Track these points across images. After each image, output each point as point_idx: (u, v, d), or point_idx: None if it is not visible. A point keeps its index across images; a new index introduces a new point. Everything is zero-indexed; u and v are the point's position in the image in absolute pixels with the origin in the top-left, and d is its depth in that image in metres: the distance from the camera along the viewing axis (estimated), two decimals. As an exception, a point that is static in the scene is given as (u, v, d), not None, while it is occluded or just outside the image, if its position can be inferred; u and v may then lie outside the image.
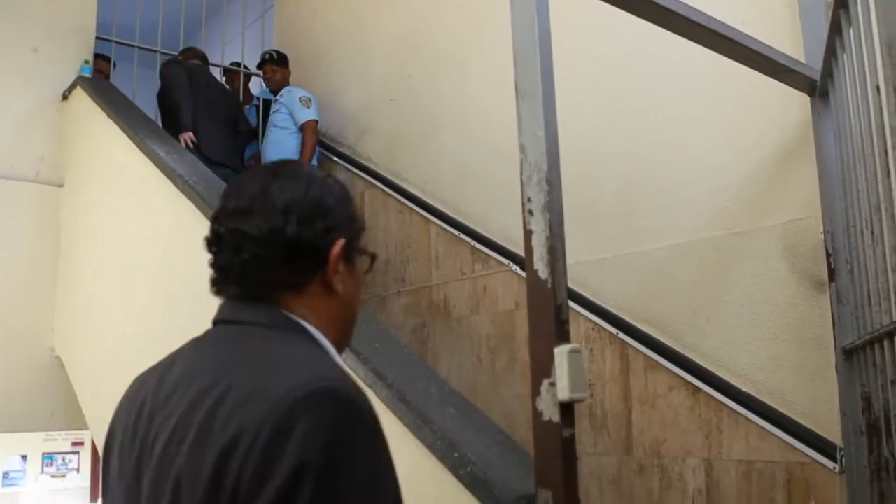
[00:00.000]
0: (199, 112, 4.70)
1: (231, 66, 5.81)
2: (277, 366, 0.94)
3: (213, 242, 1.06)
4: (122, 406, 1.08)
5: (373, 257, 1.16)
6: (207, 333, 1.07)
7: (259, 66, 5.18)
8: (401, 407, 2.11)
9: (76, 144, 4.49)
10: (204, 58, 5.21)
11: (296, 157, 4.73)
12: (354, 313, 1.15)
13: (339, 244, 1.06)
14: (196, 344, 1.06)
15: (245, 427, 0.85)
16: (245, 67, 5.80)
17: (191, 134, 4.62)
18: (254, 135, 5.43)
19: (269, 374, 0.91)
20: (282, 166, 1.11)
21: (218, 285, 1.07)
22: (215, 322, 1.07)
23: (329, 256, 1.05)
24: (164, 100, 4.82)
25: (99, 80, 4.78)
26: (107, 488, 1.07)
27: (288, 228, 1.02)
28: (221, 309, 1.07)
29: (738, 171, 2.79)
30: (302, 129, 4.81)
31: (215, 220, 1.07)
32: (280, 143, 4.83)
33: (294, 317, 1.03)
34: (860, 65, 1.76)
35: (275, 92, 5.07)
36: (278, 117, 4.89)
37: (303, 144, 4.77)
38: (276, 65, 5.08)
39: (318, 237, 1.04)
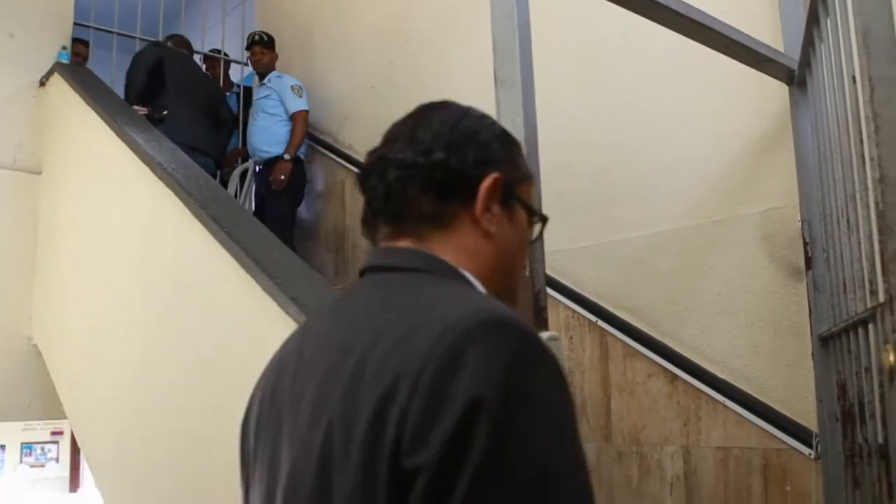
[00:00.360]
0: (177, 98, 4.64)
1: (211, 53, 5.76)
2: (434, 303, 0.83)
3: (362, 176, 1.01)
4: (263, 374, 1.02)
5: (543, 219, 1.06)
6: (354, 283, 0.99)
7: (247, 48, 5.09)
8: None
9: (54, 131, 4.44)
10: (189, 46, 5.15)
11: (285, 145, 4.70)
12: (515, 270, 1.04)
13: (492, 177, 0.96)
14: (343, 295, 0.99)
15: (403, 370, 0.74)
16: (225, 54, 5.76)
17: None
18: (235, 123, 5.39)
19: (426, 312, 0.81)
20: (439, 102, 1.05)
21: (367, 225, 1.01)
22: (362, 271, 0.99)
23: (479, 189, 0.95)
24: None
25: (76, 65, 4.72)
26: (244, 455, 1.02)
27: (434, 152, 0.95)
28: (368, 255, 1.00)
29: (717, 160, 2.81)
30: (293, 118, 4.76)
31: (367, 155, 1.02)
32: (269, 130, 4.78)
33: (447, 259, 0.94)
34: (837, 54, 1.77)
35: (262, 75, 5.00)
36: (268, 103, 4.83)
37: (292, 134, 4.72)
38: (265, 47, 5.01)
39: (467, 166, 0.95)
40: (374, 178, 0.98)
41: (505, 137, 1.03)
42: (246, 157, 5.25)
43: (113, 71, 4.84)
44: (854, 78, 1.54)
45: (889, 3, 1.42)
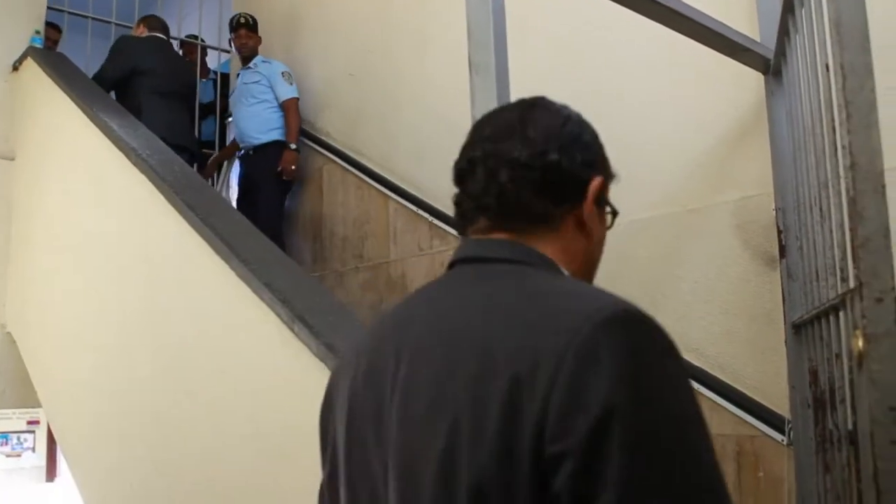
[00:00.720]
0: (154, 94, 4.53)
1: (188, 39, 5.69)
2: (561, 294, 0.84)
3: (466, 170, 0.99)
4: (346, 359, 1.02)
5: (614, 213, 1.09)
6: (450, 274, 0.98)
7: (232, 30, 4.95)
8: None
9: (28, 117, 4.40)
10: (165, 29, 5.02)
11: (279, 131, 4.67)
12: (597, 263, 1.08)
13: (598, 180, 0.99)
14: (439, 285, 0.98)
15: (540, 357, 0.75)
16: (202, 40, 5.70)
17: None
18: (210, 110, 5.33)
19: (556, 302, 0.82)
20: (537, 99, 1.06)
21: (465, 218, 1.00)
22: (454, 262, 0.99)
23: (587, 190, 0.98)
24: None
25: (48, 49, 4.66)
26: (325, 437, 1.02)
27: (550, 154, 0.96)
28: (462, 247, 1.00)
29: (694, 149, 2.82)
30: (285, 106, 4.70)
31: (469, 146, 1.01)
32: (259, 116, 4.71)
33: (546, 254, 0.95)
34: (811, 43, 1.78)
35: (247, 59, 4.90)
36: (257, 88, 4.75)
37: (289, 125, 4.66)
38: (251, 30, 4.91)
39: (576, 167, 0.97)
40: (480, 173, 0.97)
41: (597, 138, 1.06)
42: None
43: (88, 56, 4.78)
44: (827, 66, 1.55)
45: (862, -8, 1.43)
